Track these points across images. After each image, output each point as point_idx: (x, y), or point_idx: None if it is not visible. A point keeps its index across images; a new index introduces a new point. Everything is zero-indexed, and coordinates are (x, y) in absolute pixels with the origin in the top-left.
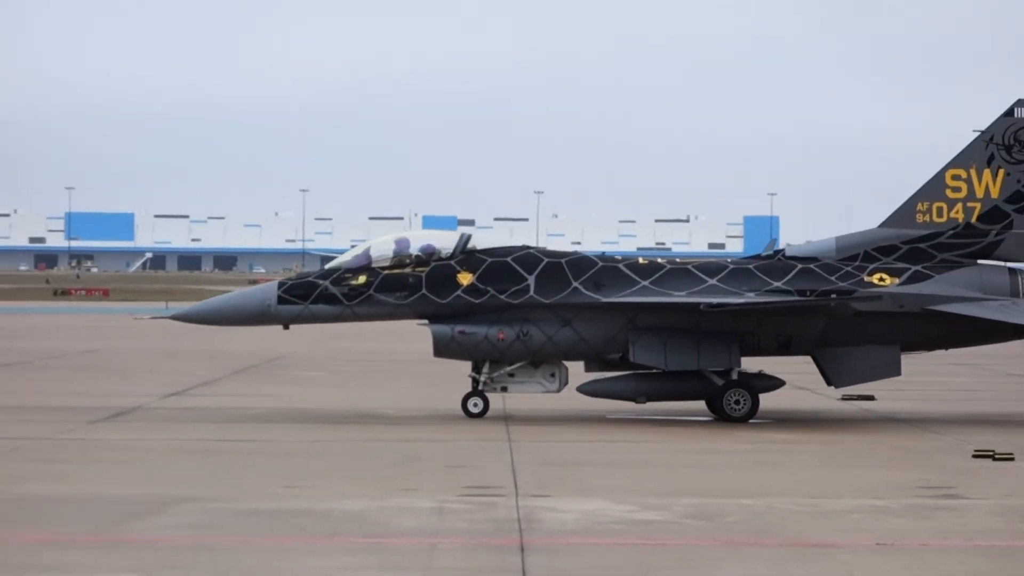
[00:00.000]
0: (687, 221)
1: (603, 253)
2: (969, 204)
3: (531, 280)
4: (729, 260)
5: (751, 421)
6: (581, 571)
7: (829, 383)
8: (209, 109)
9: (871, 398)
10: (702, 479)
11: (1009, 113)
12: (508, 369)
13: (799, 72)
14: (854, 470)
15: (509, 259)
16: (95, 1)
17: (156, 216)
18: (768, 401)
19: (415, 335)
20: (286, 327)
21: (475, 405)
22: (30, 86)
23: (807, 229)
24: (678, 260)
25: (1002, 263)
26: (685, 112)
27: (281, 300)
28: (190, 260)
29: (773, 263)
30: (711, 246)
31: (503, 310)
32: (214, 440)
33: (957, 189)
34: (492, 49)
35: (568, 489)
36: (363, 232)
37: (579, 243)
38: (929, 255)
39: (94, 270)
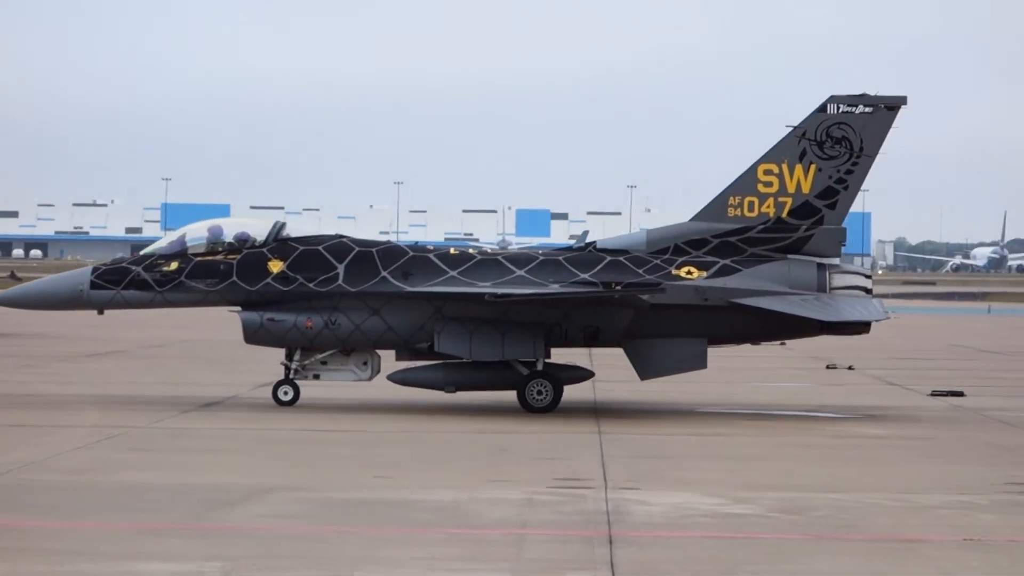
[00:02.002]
0: None
1: (416, 243)
2: (780, 199)
3: (340, 269)
4: (540, 252)
5: (832, 417)
6: (669, 564)
7: (639, 375)
8: (305, 102)
9: (961, 394)
10: (792, 473)
11: (822, 109)
12: (320, 357)
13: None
14: (943, 466)
15: (320, 248)
16: None
17: (251, 207)
18: (859, 398)
19: None
20: (100, 312)
21: (285, 393)
22: (128, 78)
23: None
24: (489, 251)
25: (811, 258)
26: (757, 112)
27: (94, 285)
28: None
29: (583, 255)
30: None
31: (312, 298)
32: (307, 430)
33: (768, 184)
34: (590, 42)
35: (657, 482)
36: (457, 225)
37: None
38: (739, 249)
39: None
